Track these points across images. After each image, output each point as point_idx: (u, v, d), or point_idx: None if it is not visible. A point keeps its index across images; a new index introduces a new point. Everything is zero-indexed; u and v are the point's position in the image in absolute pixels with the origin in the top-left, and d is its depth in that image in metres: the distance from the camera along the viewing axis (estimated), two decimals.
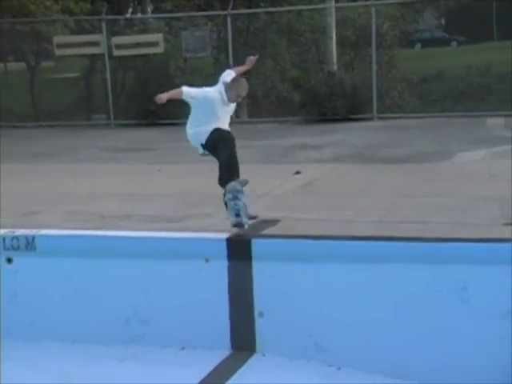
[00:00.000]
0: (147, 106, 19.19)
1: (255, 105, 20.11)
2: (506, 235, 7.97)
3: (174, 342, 8.30)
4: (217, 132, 8.80)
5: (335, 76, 18.98)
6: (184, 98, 8.85)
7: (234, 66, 18.69)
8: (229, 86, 8.48)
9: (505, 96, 18.58)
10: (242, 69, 9.46)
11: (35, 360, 7.96)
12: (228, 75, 8.99)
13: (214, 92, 8.66)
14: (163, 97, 9.03)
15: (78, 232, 8.92)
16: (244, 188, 8.43)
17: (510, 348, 7.44)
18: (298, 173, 11.97)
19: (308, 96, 18.57)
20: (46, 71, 23.84)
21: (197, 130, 9.03)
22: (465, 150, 13.36)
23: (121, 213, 9.83)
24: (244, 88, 8.49)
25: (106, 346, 8.25)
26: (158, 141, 16.70)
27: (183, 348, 8.30)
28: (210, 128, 8.82)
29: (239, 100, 8.54)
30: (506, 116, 17.10)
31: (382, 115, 18.41)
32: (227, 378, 7.70)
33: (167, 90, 19.41)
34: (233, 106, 8.85)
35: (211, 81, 20.33)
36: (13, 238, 8.70)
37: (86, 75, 22.78)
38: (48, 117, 20.87)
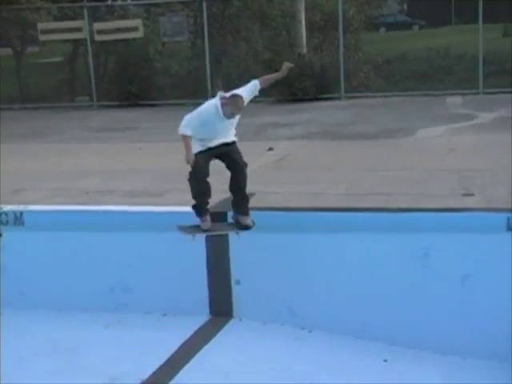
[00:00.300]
0: (128, 88, 19.16)
1: (230, 86, 19.99)
2: (464, 205, 8.03)
3: (156, 308, 8.32)
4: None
5: (305, 58, 18.94)
6: (190, 134, 7.56)
7: (210, 49, 18.84)
8: (225, 102, 7.48)
9: (462, 76, 18.68)
10: (275, 76, 8.12)
11: (25, 327, 7.96)
12: (252, 86, 7.79)
13: (211, 106, 7.63)
14: (189, 156, 7.60)
15: (63, 207, 8.90)
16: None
17: (468, 309, 7.54)
18: (270, 149, 11.96)
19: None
20: (31, 56, 23.65)
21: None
22: (426, 127, 13.40)
23: (104, 189, 9.79)
24: (239, 108, 7.53)
25: (92, 313, 8.27)
26: (138, 121, 16.62)
27: (165, 314, 8.32)
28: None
29: (233, 117, 7.56)
30: (463, 95, 17.17)
31: (349, 95, 18.42)
32: (206, 342, 7.74)
33: (147, 73, 19.60)
34: (234, 119, 7.71)
35: (188, 63, 20.39)
36: (1, 213, 8.67)
37: (69, 59, 22.59)
38: (33, 99, 20.74)
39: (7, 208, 8.76)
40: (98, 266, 8.52)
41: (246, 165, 7.78)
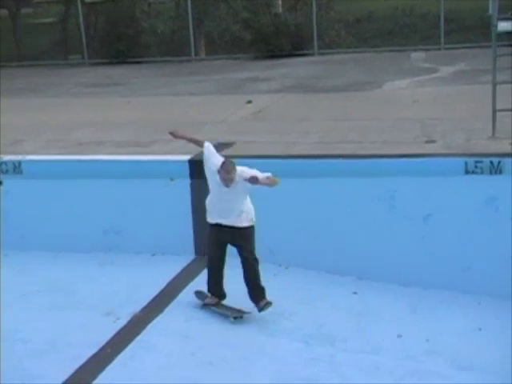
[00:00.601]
0: (117, 47, 18.95)
1: (212, 44, 19.88)
2: (427, 151, 8.06)
3: (146, 249, 8.36)
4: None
5: (281, 17, 18.79)
6: (205, 151, 6.93)
7: (192, 10, 18.64)
8: (218, 170, 6.63)
9: (426, 33, 18.56)
10: (261, 181, 6.78)
11: (27, 266, 7.99)
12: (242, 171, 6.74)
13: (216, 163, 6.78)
14: (181, 136, 7.29)
15: (59, 157, 8.87)
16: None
17: (429, 245, 7.62)
18: (249, 102, 11.90)
19: (257, 35, 18.40)
20: (26, 17, 23.27)
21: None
22: (392, 80, 13.35)
23: (96, 140, 9.74)
24: (229, 171, 6.58)
25: (87, 253, 8.31)
26: (126, 77, 16.46)
27: (154, 254, 8.36)
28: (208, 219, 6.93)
29: (228, 183, 6.57)
30: (426, 50, 17.10)
31: (322, 51, 18.28)
32: (192, 279, 7.78)
33: (134, 32, 19.38)
34: (236, 189, 6.73)
35: (172, 23, 20.14)
36: (1, 163, 8.65)
37: (61, 20, 22.22)
38: (29, 57, 20.45)
39: (7, 158, 8.73)
40: (92, 210, 8.53)
41: (256, 260, 6.86)
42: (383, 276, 7.66)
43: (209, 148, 6.95)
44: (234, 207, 6.76)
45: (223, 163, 6.68)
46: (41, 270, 7.97)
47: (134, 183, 8.36)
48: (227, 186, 6.64)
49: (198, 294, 7.17)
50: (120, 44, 18.97)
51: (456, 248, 7.53)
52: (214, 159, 6.82)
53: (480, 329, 6.77)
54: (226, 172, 6.62)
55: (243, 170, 6.72)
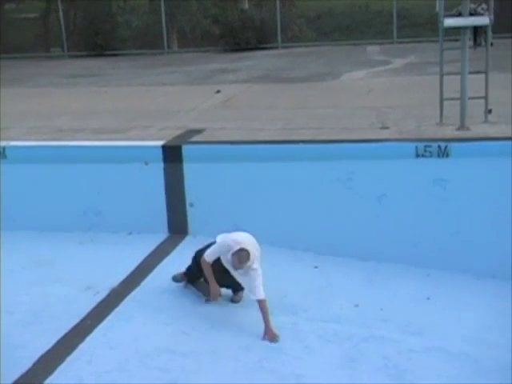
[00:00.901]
0: (94, 40, 18.81)
1: (184, 38, 19.77)
2: (381, 136, 8.08)
3: (123, 228, 8.30)
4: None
5: (247, 13, 18.75)
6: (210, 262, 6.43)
7: (165, 5, 18.47)
8: (232, 253, 6.15)
9: (380, 28, 18.64)
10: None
11: (12, 245, 7.87)
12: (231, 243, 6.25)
13: (226, 245, 6.35)
14: (214, 289, 6.49)
15: (41, 143, 8.75)
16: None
17: (383, 223, 7.66)
18: (218, 92, 11.85)
19: (225, 30, 18.35)
20: (9, 12, 22.96)
21: None
22: (350, 71, 13.38)
23: (75, 127, 9.62)
24: (242, 261, 6.12)
25: (68, 232, 8.23)
26: (104, 68, 16.29)
27: (130, 233, 8.30)
28: None
29: (238, 269, 6.19)
30: (380, 44, 17.15)
31: (285, 44, 18.27)
32: (166, 255, 7.77)
33: (110, 26, 19.19)
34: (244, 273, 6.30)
35: (146, 18, 19.96)
36: None
37: (43, 15, 21.98)
38: (12, 50, 20.17)
39: None
40: (73, 193, 8.44)
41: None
42: (341, 251, 7.68)
43: (211, 256, 6.39)
44: (246, 285, 6.36)
45: (239, 250, 6.12)
46: (25, 248, 7.87)
47: (112, 167, 8.28)
48: (237, 269, 6.22)
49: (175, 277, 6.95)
50: (97, 38, 18.82)
51: (407, 225, 7.59)
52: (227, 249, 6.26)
53: (428, 298, 6.84)
54: (239, 261, 6.15)
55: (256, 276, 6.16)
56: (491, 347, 6.09)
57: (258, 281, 6.19)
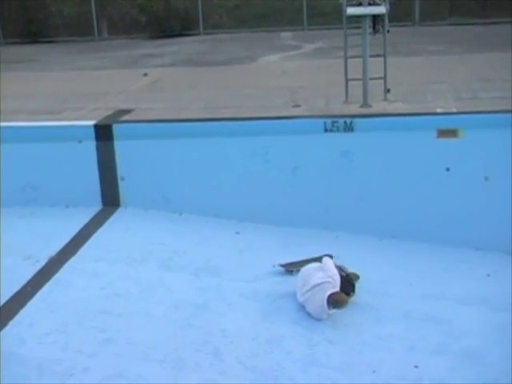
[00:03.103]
0: (29, 28, 18.25)
1: (113, 26, 19.37)
2: (294, 113, 8.13)
3: (60, 201, 8.12)
4: None
5: (171, 2, 18.48)
6: None
7: (99, 6, 17.99)
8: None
9: (293, 17, 18.64)
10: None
11: None
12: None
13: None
14: None
15: None
16: None
17: (297, 192, 7.74)
18: (145, 75, 11.66)
19: (151, 18, 18.09)
20: None
21: None
22: (265, 55, 13.34)
23: (13, 109, 9.29)
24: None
25: (8, 207, 7.98)
26: (39, 55, 15.76)
27: (67, 206, 8.13)
28: None
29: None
30: (293, 31, 17.17)
31: (207, 31, 18.07)
32: (101, 226, 7.67)
33: (44, 15, 18.57)
34: None
35: (77, 7, 19.40)
36: None
37: None
38: None
39: None
40: (12, 170, 8.18)
41: None
42: (260, 218, 7.73)
43: None
44: None
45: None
46: None
47: (48, 146, 8.08)
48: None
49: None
50: (32, 26, 18.29)
51: (318, 193, 7.69)
52: None
53: (337, 257, 6.98)
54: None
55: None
56: (392, 297, 6.28)
57: None
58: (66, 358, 5.20)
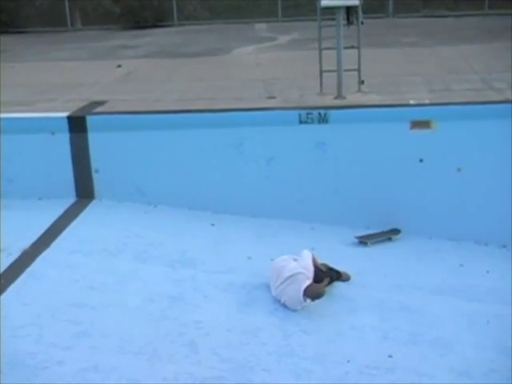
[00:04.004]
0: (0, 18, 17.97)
1: (87, 16, 19.15)
2: (268, 105, 8.13)
3: (33, 194, 8.02)
4: None
5: None
6: None
7: None
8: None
9: (267, 8, 18.59)
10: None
11: None
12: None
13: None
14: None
15: None
16: None
17: (272, 183, 7.74)
18: (119, 66, 11.55)
19: (125, 9, 17.93)
20: None
21: None
22: (240, 47, 13.30)
23: None
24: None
25: None
26: (10, 45, 15.51)
27: (40, 198, 8.04)
28: None
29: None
30: (267, 22, 17.14)
31: (181, 23, 17.97)
32: (75, 218, 7.60)
33: (15, 5, 18.27)
34: None
35: None
36: None
37: None
38: None
39: None
40: None
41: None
42: (235, 210, 7.73)
43: None
44: None
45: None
46: None
47: (21, 138, 7.97)
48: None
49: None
50: (2, 15, 18.01)
51: (293, 184, 7.71)
52: None
53: (313, 248, 6.96)
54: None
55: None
56: (366, 288, 6.33)
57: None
58: (39, 350, 5.15)
